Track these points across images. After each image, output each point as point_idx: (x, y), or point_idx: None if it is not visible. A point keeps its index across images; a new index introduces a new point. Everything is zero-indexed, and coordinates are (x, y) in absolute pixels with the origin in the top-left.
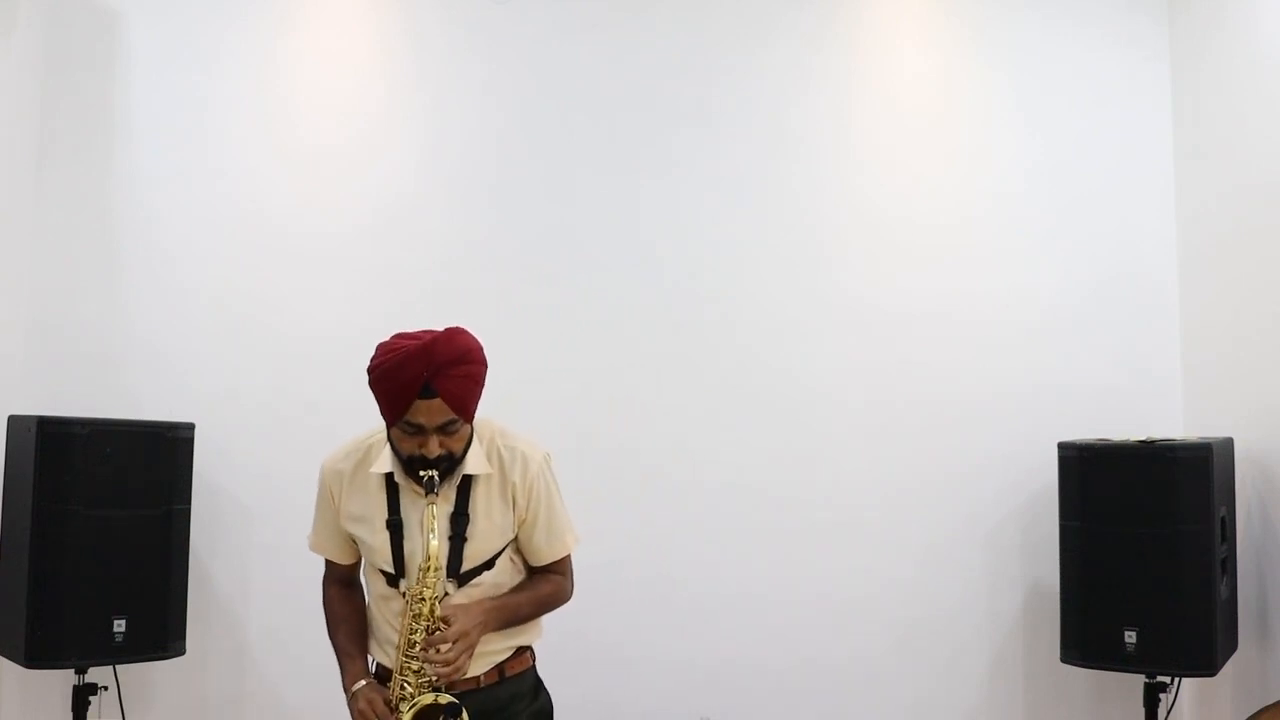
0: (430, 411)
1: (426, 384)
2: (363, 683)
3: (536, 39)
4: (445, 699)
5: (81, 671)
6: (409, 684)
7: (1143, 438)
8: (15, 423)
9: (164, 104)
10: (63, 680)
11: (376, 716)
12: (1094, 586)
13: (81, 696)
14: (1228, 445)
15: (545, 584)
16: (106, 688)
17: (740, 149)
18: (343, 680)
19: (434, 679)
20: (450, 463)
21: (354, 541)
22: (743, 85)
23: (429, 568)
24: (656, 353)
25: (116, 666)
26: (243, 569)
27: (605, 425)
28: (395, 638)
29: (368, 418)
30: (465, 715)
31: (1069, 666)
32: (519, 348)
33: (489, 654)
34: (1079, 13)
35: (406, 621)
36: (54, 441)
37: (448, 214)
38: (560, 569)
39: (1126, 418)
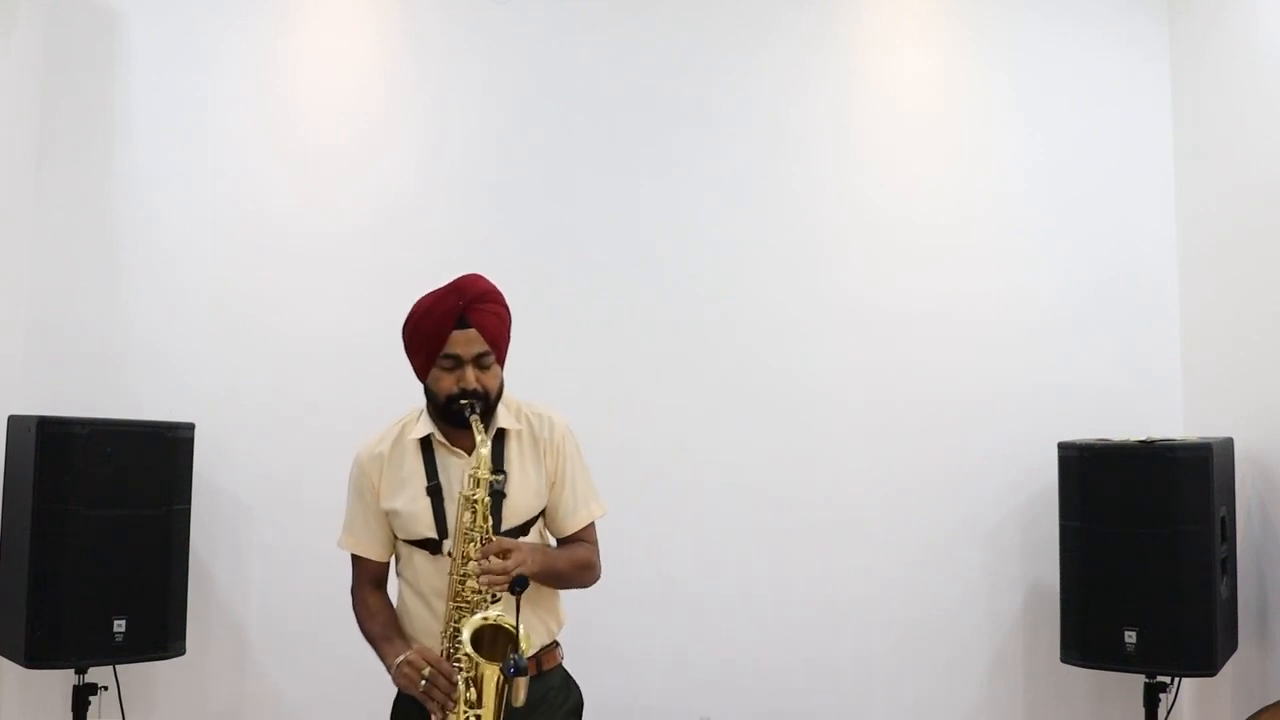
0: (467, 341)
1: (461, 315)
2: (404, 656)
3: (536, 39)
4: (504, 620)
5: (81, 671)
6: (463, 612)
7: (1143, 438)
8: (15, 423)
9: (164, 104)
10: (63, 680)
11: (428, 663)
12: (1094, 586)
13: (81, 696)
14: (1228, 445)
15: (579, 548)
16: (106, 688)
17: (740, 149)
18: (384, 663)
19: (489, 596)
20: (485, 402)
21: (391, 534)
22: (743, 85)
23: (478, 465)
24: (656, 353)
25: (116, 666)
26: (243, 569)
27: (605, 425)
28: (436, 625)
29: (368, 417)
30: (524, 632)
31: (1069, 666)
32: (519, 347)
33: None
34: (1079, 13)
35: (458, 531)
36: (54, 441)
37: (448, 214)
38: (589, 538)
39: (1126, 418)
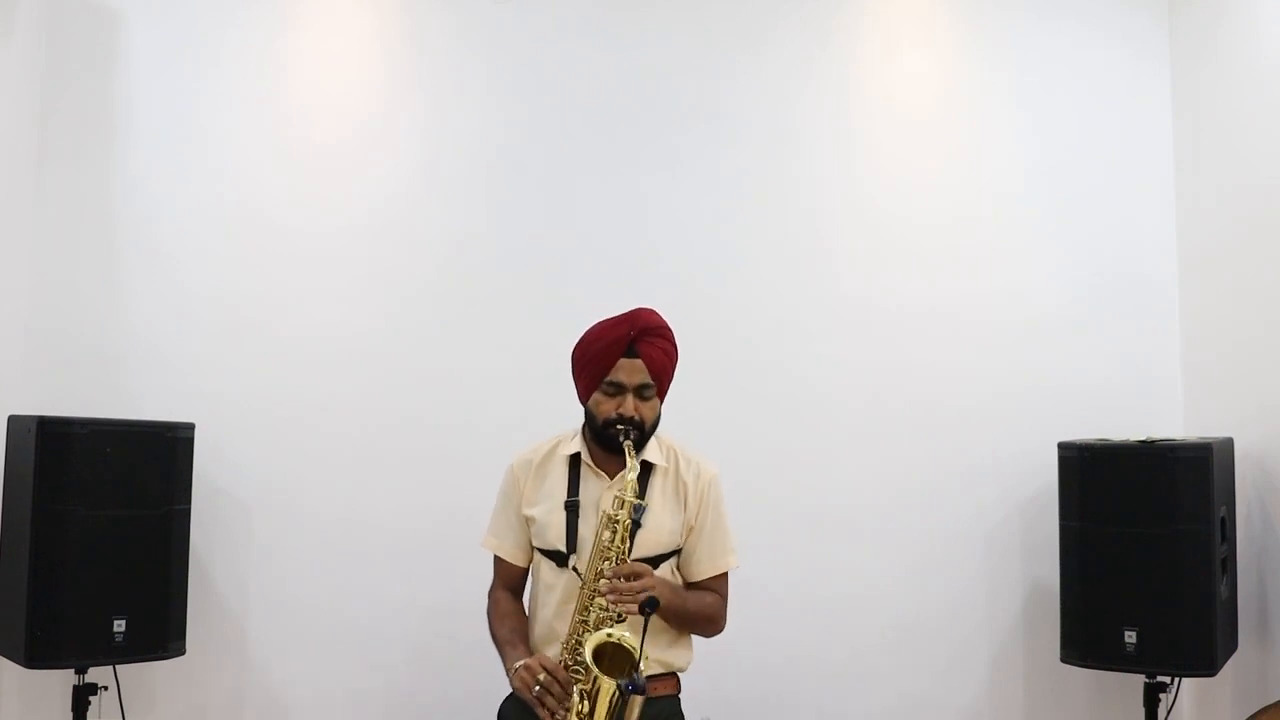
0: (631, 370)
1: (631, 343)
2: (524, 661)
3: (536, 39)
4: (626, 639)
5: (81, 671)
6: (587, 625)
7: (1143, 438)
8: (15, 423)
9: (164, 104)
10: (63, 680)
11: (544, 669)
12: (1094, 586)
13: (81, 696)
14: (1228, 445)
15: (708, 594)
16: (106, 688)
17: (740, 149)
18: (505, 665)
19: (615, 615)
20: (641, 432)
21: (529, 538)
22: (743, 85)
23: (625, 488)
24: None
25: (116, 666)
26: (243, 569)
27: None
28: (561, 629)
29: (368, 418)
30: (646, 655)
31: (1069, 666)
32: (519, 347)
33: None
34: (1079, 12)
35: (597, 547)
36: (54, 441)
37: (448, 214)
38: (719, 589)
39: (1126, 418)
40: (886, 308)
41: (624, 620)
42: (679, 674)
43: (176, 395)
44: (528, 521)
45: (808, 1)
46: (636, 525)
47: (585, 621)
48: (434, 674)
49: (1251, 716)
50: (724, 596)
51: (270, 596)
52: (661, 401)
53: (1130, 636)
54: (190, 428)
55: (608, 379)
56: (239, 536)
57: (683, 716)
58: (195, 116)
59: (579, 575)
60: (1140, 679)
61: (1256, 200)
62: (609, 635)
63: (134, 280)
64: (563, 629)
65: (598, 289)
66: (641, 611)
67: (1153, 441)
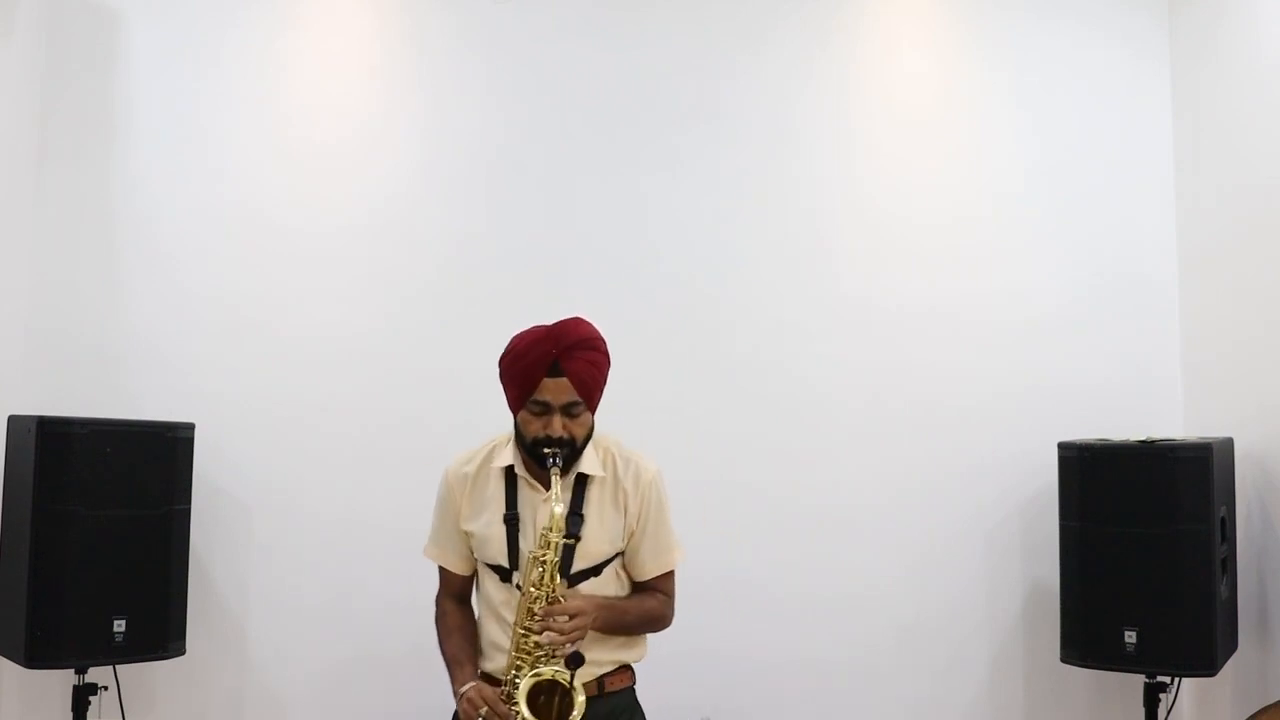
0: (557, 390)
1: (555, 361)
2: (471, 684)
3: (536, 39)
4: (563, 676)
5: (81, 671)
6: (524, 661)
7: (1143, 438)
8: (15, 423)
9: (164, 104)
10: (63, 680)
11: (485, 703)
12: (1094, 586)
13: (81, 696)
14: (1228, 445)
15: (650, 598)
16: (106, 688)
17: (740, 149)
18: (452, 687)
19: (549, 652)
20: (571, 449)
21: (470, 548)
22: (743, 85)
23: (551, 528)
24: (656, 352)
25: (116, 666)
26: (243, 569)
27: (604, 425)
28: (506, 642)
29: (368, 418)
30: (579, 687)
31: (1069, 666)
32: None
33: (590, 664)
34: (1079, 12)
35: (525, 587)
36: (54, 441)
37: (447, 214)
38: (665, 588)
39: (1126, 418)
40: (886, 308)
41: (557, 657)
42: (633, 666)
43: (176, 395)
44: (467, 535)
45: (808, 1)
46: (575, 539)
47: (522, 658)
48: (434, 674)
49: (1251, 716)
50: (669, 594)
51: (270, 596)
52: (594, 411)
53: (1130, 636)
54: (190, 428)
55: (533, 398)
56: (239, 536)
57: (639, 707)
58: (195, 116)
59: (520, 592)
60: (1140, 679)
61: (1256, 200)
62: (539, 676)
63: (134, 280)
64: (504, 641)
65: (598, 289)
66: (568, 666)
67: (1153, 441)
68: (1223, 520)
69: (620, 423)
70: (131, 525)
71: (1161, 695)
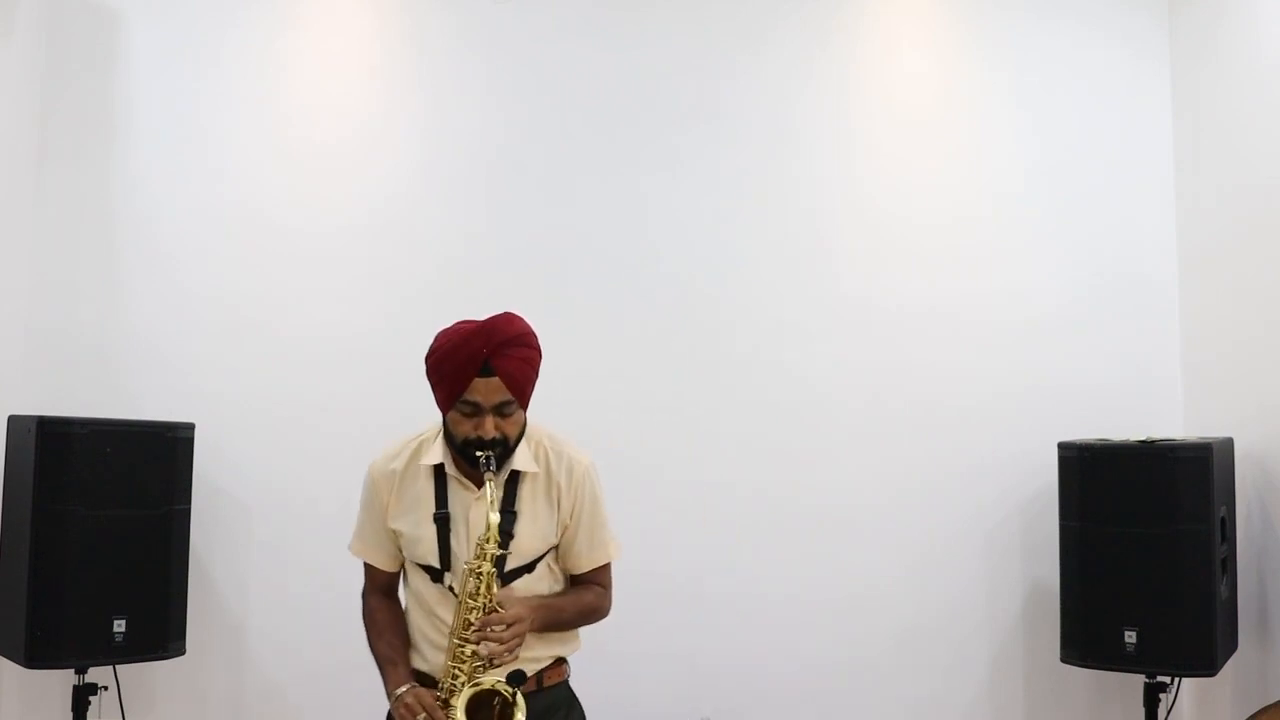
0: (488, 390)
1: (486, 361)
2: (406, 686)
3: (536, 39)
4: (503, 687)
5: (81, 671)
6: (461, 670)
7: (1143, 438)
8: (15, 423)
9: (164, 104)
10: (63, 680)
11: (423, 708)
12: (1094, 586)
13: (81, 696)
14: (1228, 445)
15: (587, 592)
16: (106, 688)
17: (740, 149)
18: (386, 688)
19: (487, 663)
20: (504, 448)
21: (398, 546)
22: (743, 85)
23: (487, 539)
24: (656, 352)
25: (116, 666)
26: (243, 569)
27: (605, 425)
28: (438, 638)
29: (368, 418)
30: (520, 701)
31: (1069, 666)
32: None
33: (528, 660)
34: (1079, 12)
35: (462, 599)
36: (54, 441)
37: (447, 214)
38: (601, 580)
39: (1126, 418)
40: (886, 308)
41: (498, 666)
42: (567, 660)
43: (176, 395)
44: (395, 534)
45: (808, 1)
46: (508, 537)
47: (459, 667)
48: None
49: (1251, 716)
50: (606, 585)
51: (270, 596)
52: (526, 408)
53: (1130, 636)
54: (190, 428)
55: (464, 398)
56: (239, 536)
57: (576, 700)
58: (195, 116)
59: (454, 595)
60: (1140, 679)
61: (1256, 200)
62: (479, 686)
63: (134, 280)
64: (437, 637)
65: (598, 289)
66: (510, 683)
67: (1153, 441)
68: (1223, 520)
69: (620, 422)
70: (131, 525)
71: (1161, 695)
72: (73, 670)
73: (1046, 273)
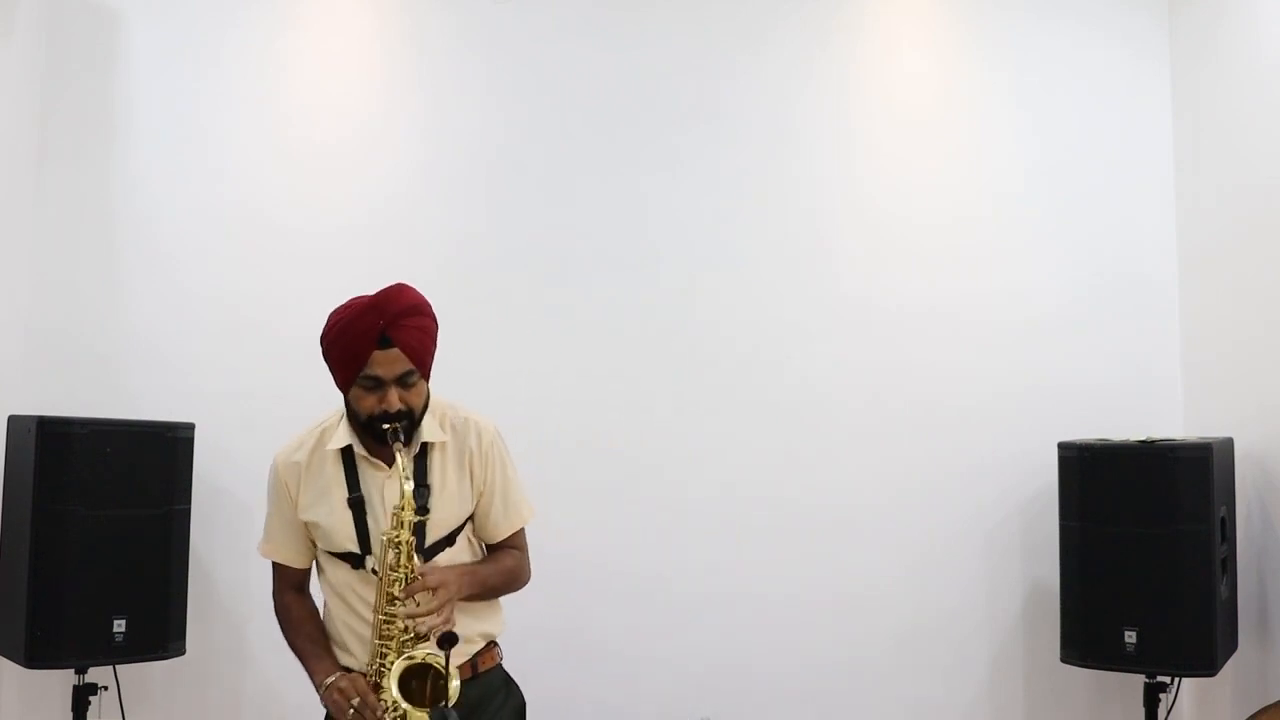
0: (388, 362)
1: (383, 333)
2: (335, 674)
3: (536, 39)
4: (436, 660)
5: (81, 671)
6: (389, 649)
7: (1143, 438)
8: (15, 423)
9: (164, 104)
10: (63, 680)
11: (356, 692)
12: (1094, 586)
13: (81, 696)
14: (1228, 445)
15: (507, 557)
16: (106, 688)
17: (740, 149)
18: (313, 680)
19: (415, 636)
20: (410, 420)
21: (310, 541)
22: (743, 85)
23: (403, 506)
24: (656, 352)
25: (116, 666)
26: (243, 569)
27: (605, 424)
28: (364, 630)
29: None
30: (454, 670)
31: (1069, 666)
32: (519, 347)
33: (462, 645)
34: (1079, 12)
35: (382, 572)
36: (54, 441)
37: (447, 214)
38: (518, 543)
39: (1126, 418)
40: (886, 308)
41: (427, 638)
42: (497, 641)
43: (176, 395)
44: (307, 526)
45: (808, 1)
46: (424, 512)
47: (386, 644)
48: None
49: (1251, 716)
50: (523, 549)
51: (270, 596)
52: (428, 378)
53: (1130, 636)
54: (190, 428)
55: (364, 374)
56: (239, 536)
57: (512, 681)
58: (195, 116)
59: (377, 576)
60: (1140, 679)
61: (1256, 200)
62: (411, 660)
63: (134, 280)
64: (362, 629)
65: (598, 289)
66: (441, 646)
67: (1153, 441)
68: (1223, 520)
69: (620, 422)
70: (131, 525)
71: (1161, 695)
72: (73, 670)
73: (1046, 273)
